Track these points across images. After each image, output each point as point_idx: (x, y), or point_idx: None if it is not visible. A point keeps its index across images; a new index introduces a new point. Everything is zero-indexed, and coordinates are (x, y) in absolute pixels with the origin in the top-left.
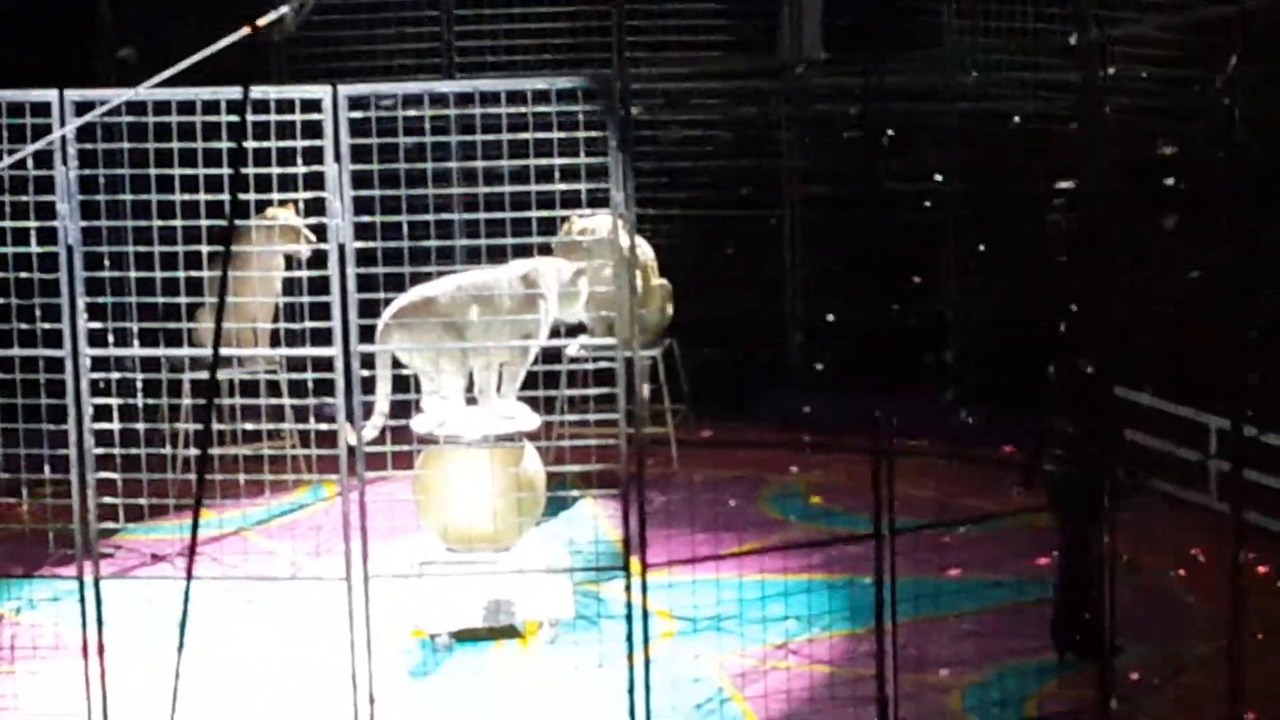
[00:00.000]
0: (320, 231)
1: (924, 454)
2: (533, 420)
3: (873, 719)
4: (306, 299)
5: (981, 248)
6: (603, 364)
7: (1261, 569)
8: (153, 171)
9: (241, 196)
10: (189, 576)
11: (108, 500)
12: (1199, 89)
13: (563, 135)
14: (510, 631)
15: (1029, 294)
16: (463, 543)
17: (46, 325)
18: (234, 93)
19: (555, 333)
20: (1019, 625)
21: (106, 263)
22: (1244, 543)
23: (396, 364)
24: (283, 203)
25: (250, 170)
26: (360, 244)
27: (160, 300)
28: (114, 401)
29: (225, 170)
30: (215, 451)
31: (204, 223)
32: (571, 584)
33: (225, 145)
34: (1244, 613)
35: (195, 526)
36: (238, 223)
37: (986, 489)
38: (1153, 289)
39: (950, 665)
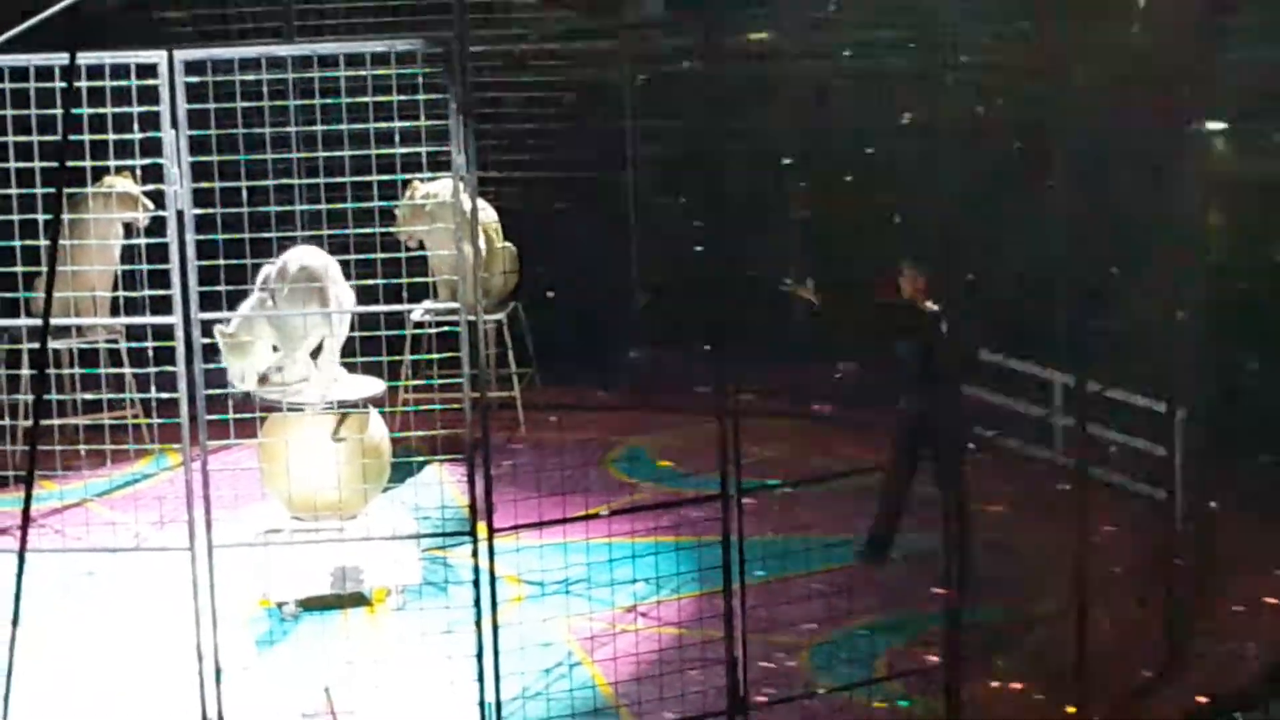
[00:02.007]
0: (158, 198)
1: (771, 414)
2: (377, 386)
3: (722, 680)
4: (145, 267)
5: (826, 206)
6: (447, 328)
7: (1106, 524)
8: None
9: (75, 164)
10: (22, 549)
11: None
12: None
13: (403, 99)
14: (358, 599)
15: (874, 252)
16: (308, 511)
17: None
18: (65, 59)
19: (398, 297)
20: (868, 584)
21: None
22: (1088, 497)
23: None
24: (120, 170)
25: (85, 137)
26: (199, 210)
27: None
28: None
29: (62, 138)
30: (54, 422)
31: (39, 191)
32: (418, 549)
33: (59, 112)
34: (1089, 567)
35: (28, 497)
36: (75, 191)
37: (835, 448)
38: (996, 246)
39: (799, 625)
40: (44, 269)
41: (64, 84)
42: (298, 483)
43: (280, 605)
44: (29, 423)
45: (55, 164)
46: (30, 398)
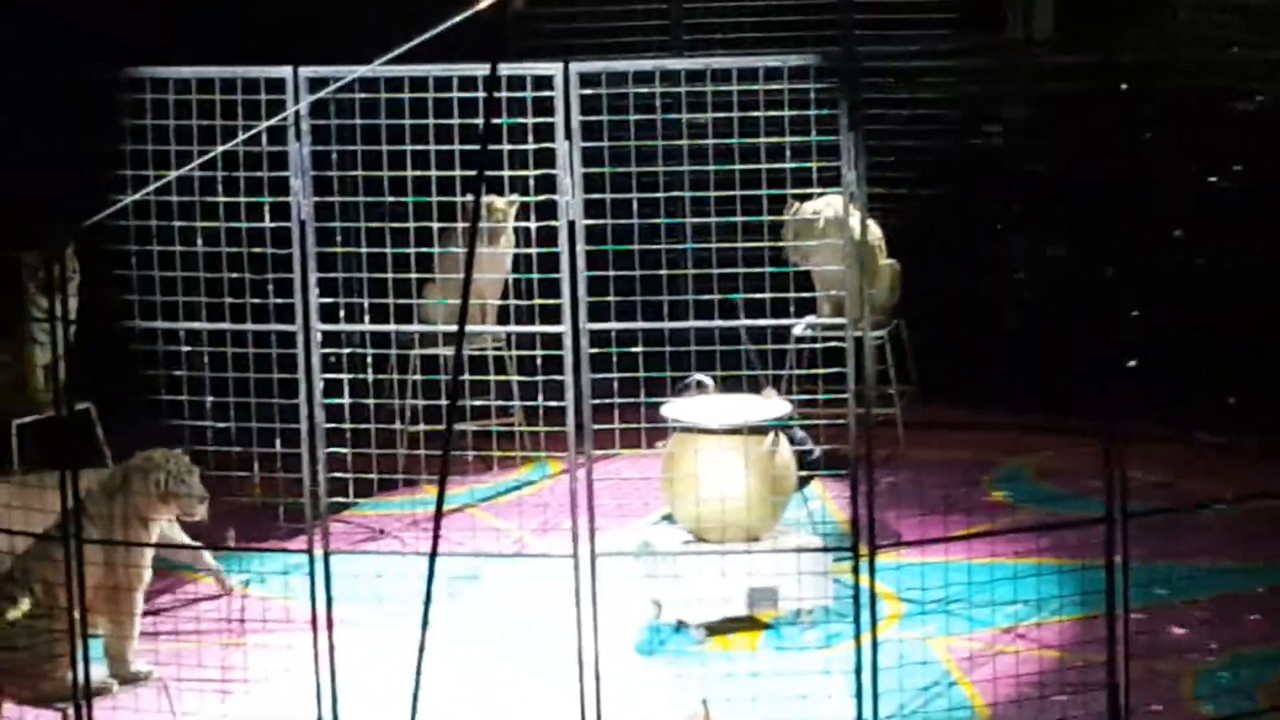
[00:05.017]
0: (550, 209)
1: (1155, 437)
2: (785, 406)
3: (1102, 705)
4: (536, 276)
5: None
6: (831, 344)
7: None
8: (384, 148)
9: (488, 174)
10: (434, 553)
11: (337, 475)
12: None
13: (794, 114)
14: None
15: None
16: (717, 533)
17: (279, 300)
18: (469, 69)
19: (784, 311)
20: (1253, 612)
21: (338, 239)
22: None
23: None
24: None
25: (487, 147)
26: (590, 221)
27: (390, 276)
28: (344, 377)
29: (457, 147)
30: (458, 427)
31: (435, 199)
32: (829, 569)
33: (457, 122)
34: None
35: (440, 501)
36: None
37: (1221, 472)
38: None
39: (1183, 652)
40: (437, 276)
41: (469, 94)
42: (710, 505)
43: (685, 626)
44: (417, 428)
45: (453, 173)
46: (422, 403)
